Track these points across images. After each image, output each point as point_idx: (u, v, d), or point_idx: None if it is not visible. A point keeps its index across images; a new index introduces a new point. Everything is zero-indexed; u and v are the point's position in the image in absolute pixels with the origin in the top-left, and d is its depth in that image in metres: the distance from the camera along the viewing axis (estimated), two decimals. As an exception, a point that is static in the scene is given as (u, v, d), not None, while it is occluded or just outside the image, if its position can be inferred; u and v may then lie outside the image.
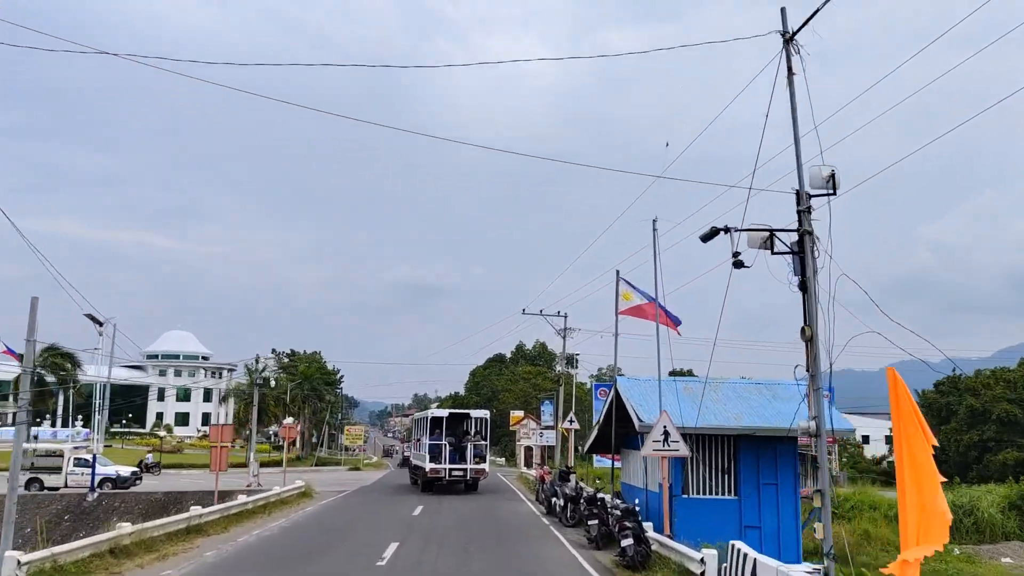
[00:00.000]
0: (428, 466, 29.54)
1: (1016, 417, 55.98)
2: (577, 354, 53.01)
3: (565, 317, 46.42)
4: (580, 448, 45.09)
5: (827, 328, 8.53)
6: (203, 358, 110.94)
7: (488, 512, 23.82)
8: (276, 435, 67.37)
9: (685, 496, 16.91)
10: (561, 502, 21.16)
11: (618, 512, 15.03)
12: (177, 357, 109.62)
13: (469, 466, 29.87)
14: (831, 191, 8.85)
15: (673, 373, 23.13)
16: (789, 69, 9.16)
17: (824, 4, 8.50)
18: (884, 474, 60.62)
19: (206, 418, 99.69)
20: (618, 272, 19.00)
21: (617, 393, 19.01)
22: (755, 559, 9.54)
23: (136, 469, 38.60)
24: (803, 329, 8.87)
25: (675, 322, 17.15)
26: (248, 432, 49.71)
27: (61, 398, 69.43)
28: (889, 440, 75.83)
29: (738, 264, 9.05)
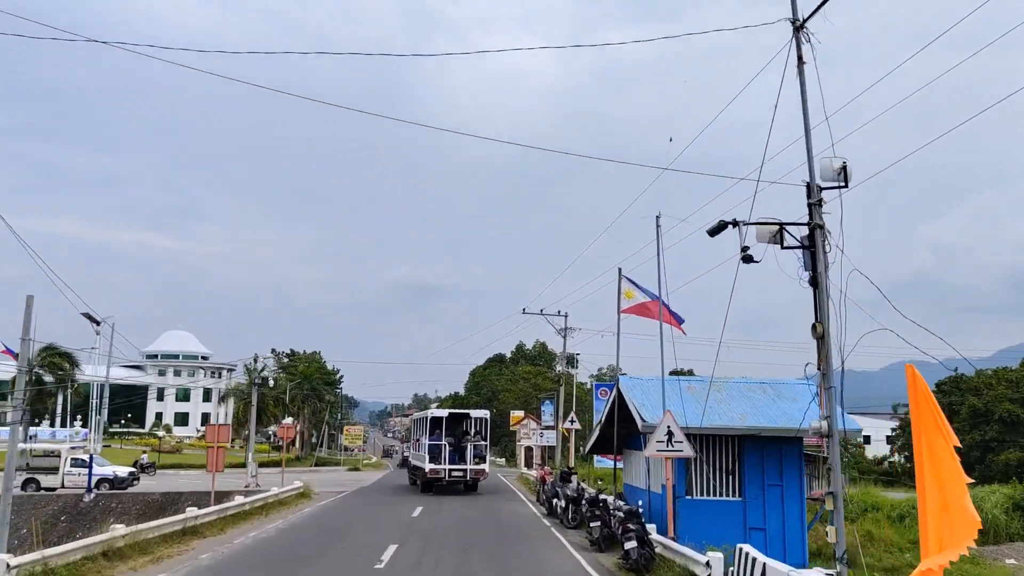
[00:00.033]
0: (428, 466, 29.30)
1: (1019, 417, 55.72)
2: (577, 354, 52.76)
3: (566, 316, 46.17)
4: (581, 448, 44.83)
5: (839, 325, 8.25)
6: (203, 358, 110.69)
7: (488, 513, 23.55)
8: (275, 435, 67.05)
9: (688, 497, 16.63)
10: (562, 503, 20.89)
11: (621, 514, 14.76)
12: (177, 357, 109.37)
13: (469, 466, 29.64)
14: (843, 183, 8.57)
15: (673, 373, 22.86)
16: (799, 58, 8.88)
17: (835, -10, 8.24)
18: (885, 474, 60.36)
19: (206, 418, 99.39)
20: (620, 270, 18.73)
21: (619, 393, 18.74)
22: (764, 563, 9.26)
23: (133, 469, 38.31)
24: (814, 326, 8.59)
25: (678, 320, 16.86)
26: (247, 432, 49.37)
27: (60, 398, 69.16)
28: (890, 440, 75.57)
29: (747, 259, 8.76)
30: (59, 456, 35.51)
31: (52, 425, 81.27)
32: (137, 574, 13.06)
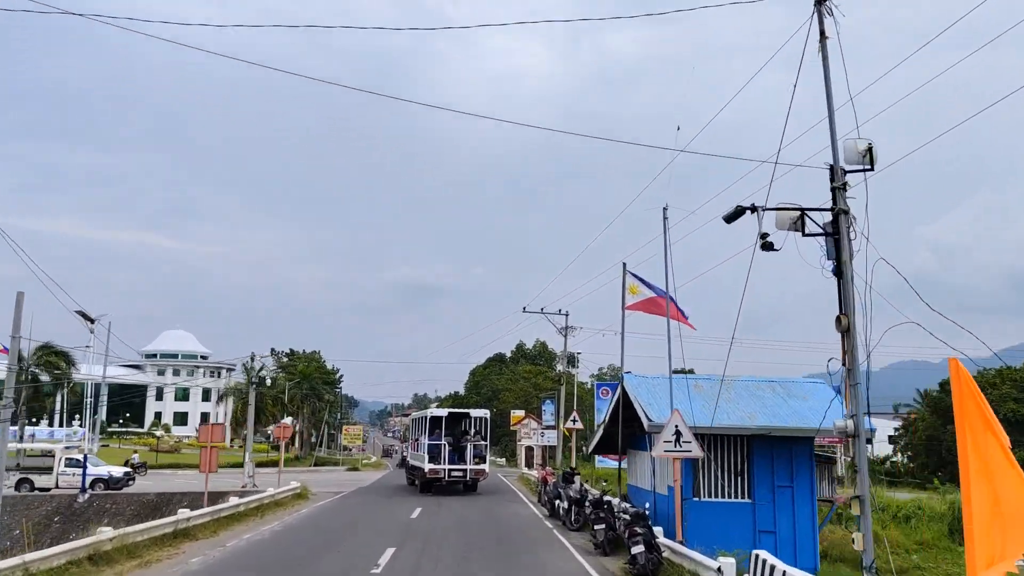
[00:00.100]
0: (427, 466, 28.82)
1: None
2: (579, 352, 52.27)
3: (566, 315, 45.70)
4: (584, 448, 44.30)
5: (865, 318, 7.72)
6: (202, 357, 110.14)
7: (488, 514, 23.03)
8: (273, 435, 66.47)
9: (696, 499, 16.10)
10: (565, 505, 20.35)
11: (627, 516, 14.23)
12: (175, 356, 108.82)
13: (469, 466, 29.18)
14: (868, 166, 8.05)
15: (674, 372, 22.34)
16: (821, 32, 8.35)
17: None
18: (888, 474, 59.85)
19: (205, 418, 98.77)
20: (624, 264, 18.19)
21: (624, 391, 18.21)
22: (784, 571, 8.71)
23: (129, 470, 37.81)
24: (838, 318, 8.06)
25: (685, 317, 16.32)
26: (246, 432, 48.83)
27: (59, 398, 68.73)
28: (892, 440, 75.04)
29: (767, 246, 8.23)
30: (53, 456, 35.00)
31: (51, 424, 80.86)
32: (123, 579, 12.56)
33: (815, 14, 8.34)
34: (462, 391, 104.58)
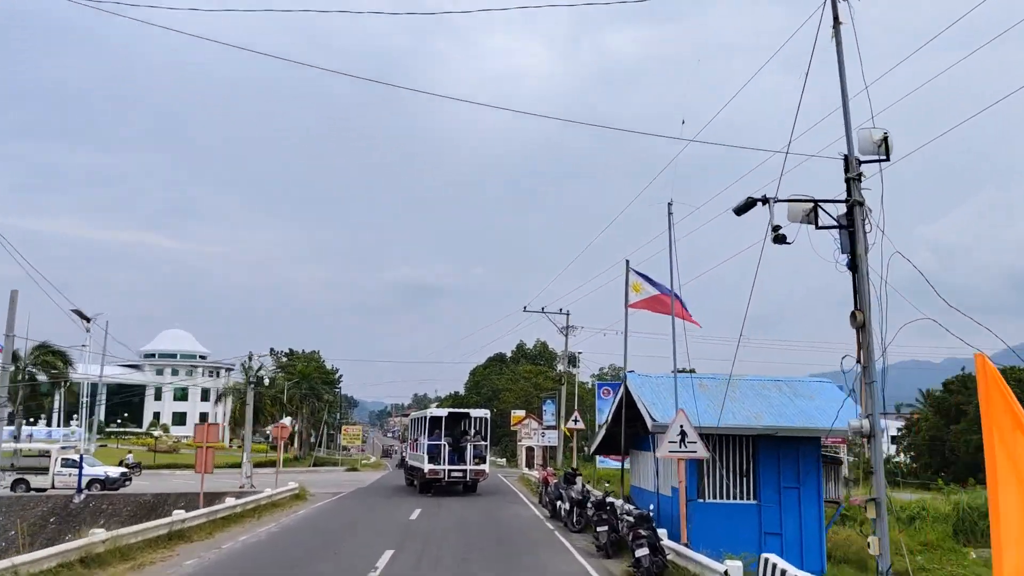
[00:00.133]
0: (426, 467, 28.54)
1: (1028, 417, 54.87)
2: (579, 352, 52.01)
3: (567, 315, 45.48)
4: (585, 449, 44.01)
5: (881, 314, 7.42)
6: (201, 357, 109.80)
7: (489, 516, 22.74)
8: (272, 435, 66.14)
9: (701, 500, 15.80)
10: (567, 506, 20.05)
11: (630, 518, 13.94)
12: (174, 356, 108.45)
13: (469, 467, 28.91)
14: (884, 156, 7.76)
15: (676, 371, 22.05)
16: (835, 17, 8.07)
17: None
18: (891, 475, 59.58)
19: (204, 417, 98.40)
20: (628, 261, 17.89)
21: (627, 391, 17.91)
22: (794, 576, 8.43)
23: (126, 470, 37.53)
24: (853, 314, 7.77)
25: (690, 314, 16.02)
26: (244, 432, 48.51)
27: (57, 397, 68.38)
28: (894, 440, 74.77)
29: (779, 239, 7.93)
30: (49, 456, 34.71)
31: (49, 424, 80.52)
32: (115, 583, 12.27)
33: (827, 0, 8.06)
34: (462, 391, 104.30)
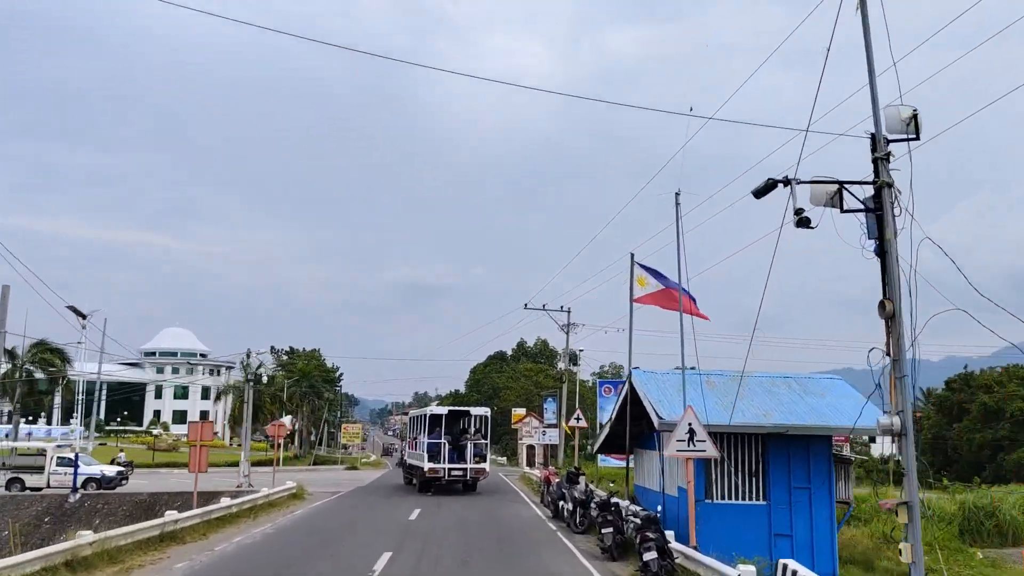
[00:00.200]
0: (426, 466, 28.11)
1: (1031, 415, 54.43)
2: (581, 350, 51.55)
3: (568, 312, 45.03)
4: (588, 447, 43.56)
5: (911, 304, 6.92)
6: (201, 355, 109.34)
7: (490, 516, 22.26)
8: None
9: (708, 501, 15.31)
10: (570, 506, 19.55)
11: (637, 520, 13.45)
12: (175, 354, 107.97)
13: (469, 465, 28.50)
14: (913, 135, 7.26)
15: (678, 369, 21.57)
16: (861, -12, 7.57)
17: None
18: (893, 474, 59.14)
19: (204, 416, 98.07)
20: (632, 255, 17.40)
21: (632, 388, 17.42)
22: (815, 583, 7.91)
23: (122, 469, 37.06)
24: (882, 303, 7.27)
25: (698, 308, 15.50)
26: (243, 430, 48.06)
27: (56, 396, 67.96)
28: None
29: (802, 222, 7.42)
30: (45, 455, 34.26)
31: (49, 423, 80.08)
32: (102, 587, 11.80)
33: (853, -32, 7.56)
34: (463, 389, 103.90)
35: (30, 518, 28.79)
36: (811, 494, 15.26)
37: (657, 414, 15.34)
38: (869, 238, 7.48)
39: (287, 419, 62.28)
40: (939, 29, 9.67)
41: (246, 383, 39.44)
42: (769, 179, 7.65)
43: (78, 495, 30.28)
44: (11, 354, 50.57)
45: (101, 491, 32.85)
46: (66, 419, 71.71)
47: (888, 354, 7.27)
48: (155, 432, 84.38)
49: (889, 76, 7.68)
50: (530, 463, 58.85)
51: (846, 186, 7.50)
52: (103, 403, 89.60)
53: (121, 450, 50.24)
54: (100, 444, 63.10)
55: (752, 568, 10.13)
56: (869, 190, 7.51)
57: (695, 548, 12.80)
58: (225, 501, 20.78)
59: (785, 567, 9.00)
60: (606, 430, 21.44)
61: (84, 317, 32.07)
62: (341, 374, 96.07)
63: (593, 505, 17.77)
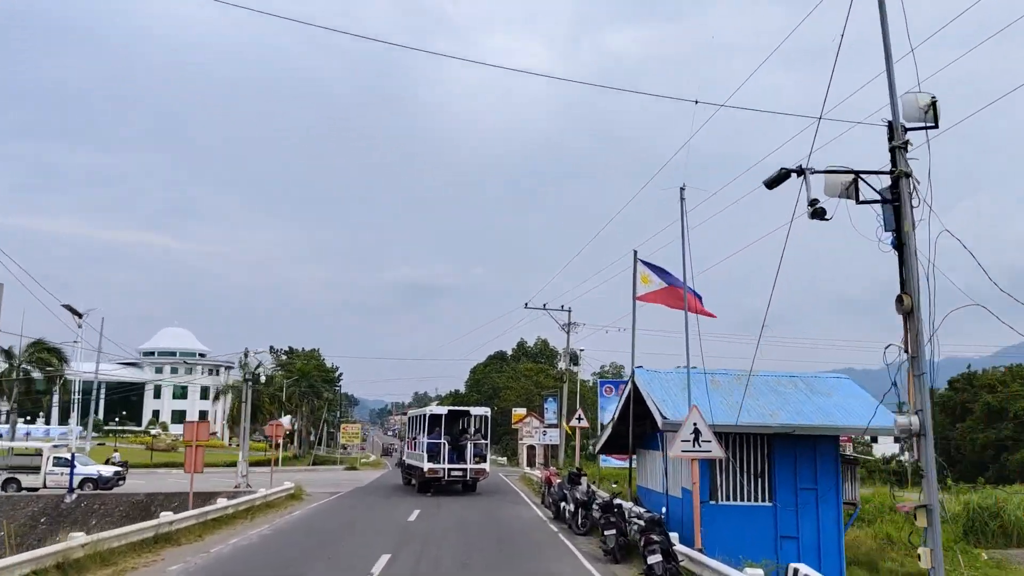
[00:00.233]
0: (426, 466, 27.83)
1: (1034, 415, 54.20)
2: (581, 349, 51.26)
3: (569, 311, 44.74)
4: (590, 447, 43.28)
5: (929, 299, 6.65)
6: (200, 355, 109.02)
7: (490, 517, 21.98)
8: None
9: (713, 503, 15.02)
10: (571, 507, 19.24)
11: (641, 522, 13.15)
12: (174, 354, 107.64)
13: (469, 466, 28.23)
14: (932, 123, 6.98)
15: (681, 368, 21.27)
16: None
17: None
18: (895, 474, 58.91)
19: (203, 416, 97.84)
20: (636, 252, 17.10)
21: (634, 387, 17.13)
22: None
23: (119, 469, 36.78)
24: (900, 298, 6.98)
25: (703, 306, 15.20)
26: (242, 430, 47.74)
27: (57, 396, 67.67)
28: (898, 439, 74.12)
29: (817, 213, 7.13)
30: (41, 455, 33.99)
31: (48, 423, 79.77)
32: (93, 590, 11.52)
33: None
34: (463, 389, 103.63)
35: (26, 519, 28.51)
36: (818, 495, 14.99)
37: (661, 414, 15.06)
38: (886, 230, 7.20)
39: (286, 419, 62.01)
40: (957, 15, 9.39)
41: (244, 382, 39.10)
42: (782, 168, 7.36)
43: (74, 495, 30.01)
44: (8, 353, 50.31)
45: (98, 491, 32.60)
46: (64, 419, 71.39)
47: (906, 351, 7.00)
48: (153, 432, 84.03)
49: (902, 66, 7.42)
50: (530, 463, 58.57)
51: (862, 176, 7.22)
52: (102, 403, 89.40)
53: (115, 450, 49.80)
54: (99, 444, 62.78)
55: (760, 572, 9.86)
56: (885, 180, 7.24)
57: (700, 551, 12.52)
58: (222, 502, 20.50)
59: (796, 571, 8.72)
60: (608, 430, 21.15)
61: (80, 316, 31.84)
62: (341, 374, 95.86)
63: (595, 506, 17.47)
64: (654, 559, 11.42)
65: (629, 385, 17.86)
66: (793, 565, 8.95)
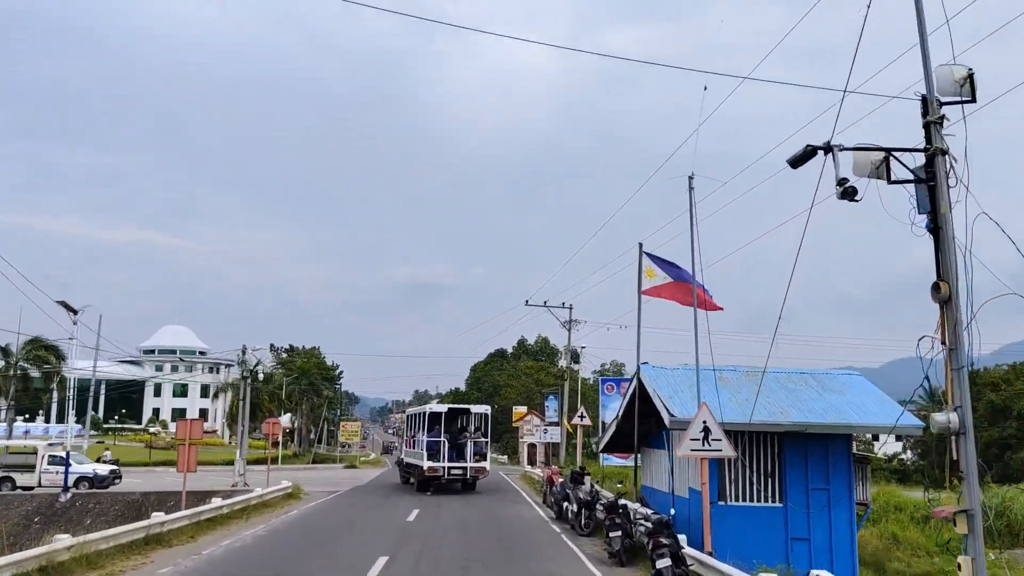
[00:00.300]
0: (426, 464, 27.37)
1: (1038, 414, 53.77)
2: (583, 347, 50.75)
3: (570, 308, 44.20)
4: (592, 445, 42.79)
5: (967, 285, 6.14)
6: (200, 353, 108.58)
7: (490, 517, 21.50)
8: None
9: (721, 503, 14.54)
10: (574, 507, 18.74)
11: (648, 524, 12.66)
12: (174, 352, 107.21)
13: (469, 464, 27.79)
14: (968, 98, 6.48)
15: (686, 365, 20.76)
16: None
17: None
18: (898, 472, 58.43)
19: (203, 414, 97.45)
20: (640, 245, 16.59)
21: (640, 384, 16.63)
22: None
23: (115, 467, 36.33)
24: (936, 286, 6.48)
25: (712, 300, 14.69)
26: (240, 428, 47.27)
27: (56, 395, 67.25)
28: (900, 438, 73.65)
29: (847, 193, 6.61)
30: (36, 453, 33.55)
31: (47, 421, 79.35)
32: (76, 595, 11.05)
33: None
34: (463, 387, 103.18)
35: (19, 518, 28.06)
36: (830, 496, 14.50)
37: (668, 411, 14.56)
38: (920, 212, 6.71)
39: (286, 417, 61.50)
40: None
41: (242, 380, 38.65)
42: (808, 145, 6.83)
43: (69, 494, 29.57)
44: (4, 351, 49.87)
45: (93, 490, 32.17)
46: (62, 417, 70.98)
47: (943, 343, 6.47)
48: (153, 430, 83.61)
49: (935, 39, 6.92)
50: (531, 462, 58.10)
51: (894, 154, 6.72)
52: (101, 401, 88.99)
53: (106, 448, 49.25)
54: (98, 442, 62.38)
55: (775, 577, 9.37)
56: (919, 159, 6.74)
57: (710, 554, 12.02)
58: (216, 501, 20.03)
59: (817, 579, 8.25)
60: (612, 428, 20.65)
61: (75, 312, 31.34)
62: (341, 372, 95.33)
63: (599, 507, 16.96)
64: (663, 563, 10.91)
65: (634, 382, 17.36)
66: (815, 572, 8.47)
